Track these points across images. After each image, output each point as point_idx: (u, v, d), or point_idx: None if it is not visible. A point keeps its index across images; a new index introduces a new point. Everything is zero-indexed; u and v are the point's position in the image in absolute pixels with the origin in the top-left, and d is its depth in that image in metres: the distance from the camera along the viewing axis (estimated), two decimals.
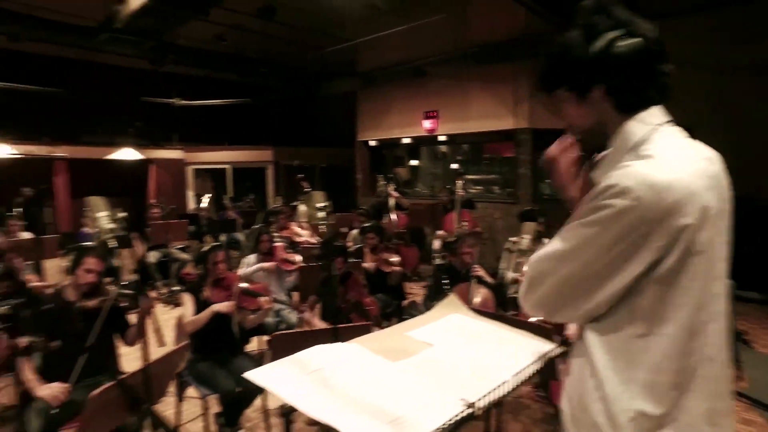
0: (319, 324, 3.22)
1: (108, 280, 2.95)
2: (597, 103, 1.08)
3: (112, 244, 3.51)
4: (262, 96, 12.31)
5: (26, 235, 6.12)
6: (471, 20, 8.21)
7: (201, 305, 3.02)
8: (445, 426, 0.94)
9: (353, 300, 3.14)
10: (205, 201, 9.12)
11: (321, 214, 3.65)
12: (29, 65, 10.40)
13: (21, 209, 6.94)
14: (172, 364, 2.47)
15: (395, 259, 4.05)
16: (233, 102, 12.15)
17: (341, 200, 9.66)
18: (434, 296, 3.26)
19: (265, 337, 4.29)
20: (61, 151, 10.62)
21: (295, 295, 4.54)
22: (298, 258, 4.45)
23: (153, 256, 6.81)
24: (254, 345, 4.17)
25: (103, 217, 3.44)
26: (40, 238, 5.76)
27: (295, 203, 7.68)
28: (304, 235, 5.57)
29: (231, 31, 9.21)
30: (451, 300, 1.59)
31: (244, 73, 10.95)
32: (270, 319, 3.90)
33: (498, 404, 2.51)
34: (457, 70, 8.43)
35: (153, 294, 2.82)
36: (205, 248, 3.24)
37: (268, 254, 4.34)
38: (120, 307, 2.83)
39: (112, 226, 3.50)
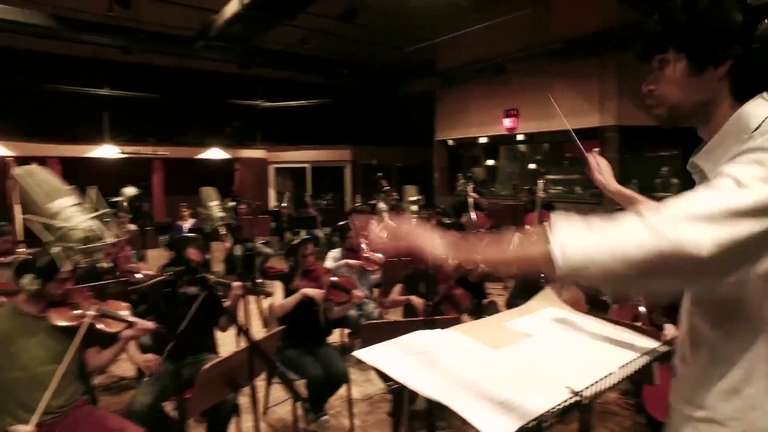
0: (415, 300, 3.26)
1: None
2: (711, 80, 0.95)
3: (223, 231, 3.79)
4: (342, 97, 12.65)
5: (131, 227, 6.72)
6: (555, 14, 7.96)
7: (290, 294, 3.18)
8: (553, 410, 0.95)
9: (444, 292, 3.17)
10: (286, 199, 9.54)
11: (414, 207, 3.67)
12: (134, 74, 11.38)
13: (126, 204, 7.64)
14: (267, 348, 2.62)
15: None
16: (314, 103, 12.59)
17: None
18: (525, 290, 3.21)
19: (347, 330, 4.43)
20: (159, 152, 11.53)
21: (375, 291, 4.65)
22: (379, 256, 4.54)
23: (239, 250, 7.21)
24: (335, 337, 4.32)
25: (214, 206, 3.69)
26: (144, 230, 6.30)
27: (374, 202, 7.84)
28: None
29: (314, 35, 9.56)
30: (547, 294, 1.58)
31: (326, 75, 11.32)
32: (353, 312, 4.01)
33: (586, 408, 2.44)
34: (540, 66, 8.21)
35: (242, 285, 3.00)
36: (296, 241, 3.41)
37: (352, 250, 4.46)
38: (216, 294, 3.05)
39: (222, 214, 3.77)
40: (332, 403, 3.61)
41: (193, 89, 12.13)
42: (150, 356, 2.60)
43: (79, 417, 2.32)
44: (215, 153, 12.31)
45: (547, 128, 8.39)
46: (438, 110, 10.91)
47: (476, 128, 9.91)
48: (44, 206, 1.01)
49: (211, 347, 3.09)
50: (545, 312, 1.49)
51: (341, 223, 4.68)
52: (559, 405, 0.97)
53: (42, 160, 11.61)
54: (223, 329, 3.09)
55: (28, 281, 2.15)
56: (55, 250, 0.99)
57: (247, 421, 3.38)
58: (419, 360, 1.16)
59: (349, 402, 3.39)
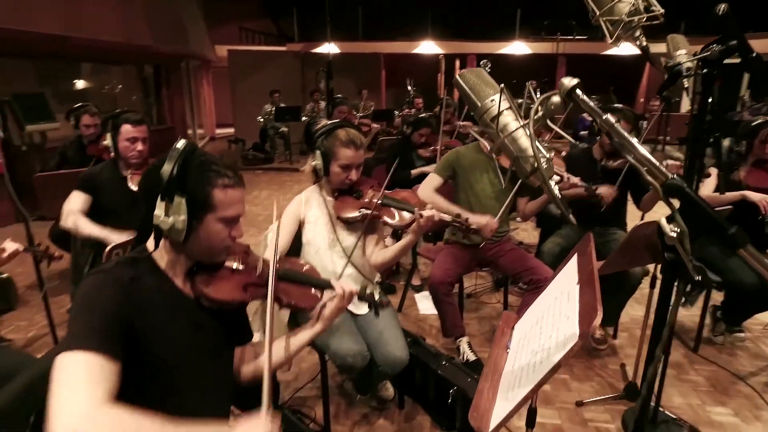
0: None
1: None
2: None
3: None
4: None
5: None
6: None
7: (729, 183, 2.72)
8: None
9: None
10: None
11: None
12: None
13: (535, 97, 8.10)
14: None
15: None
16: None
17: None
18: None
19: None
20: (562, 49, 11.50)
21: None
22: None
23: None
24: None
25: None
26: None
27: None
28: None
29: None
30: None
31: None
32: None
33: None
34: None
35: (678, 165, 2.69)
36: (758, 121, 2.78)
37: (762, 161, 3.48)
38: (635, 170, 2.89)
39: None
40: (748, 325, 3.09)
41: None
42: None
43: (505, 247, 2.73)
44: (626, 48, 11.39)
45: None
46: None
47: None
48: None
49: (622, 224, 3.03)
50: None
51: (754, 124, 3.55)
52: None
53: (463, 57, 13.29)
54: (644, 209, 2.91)
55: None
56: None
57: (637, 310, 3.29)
58: None
59: None
